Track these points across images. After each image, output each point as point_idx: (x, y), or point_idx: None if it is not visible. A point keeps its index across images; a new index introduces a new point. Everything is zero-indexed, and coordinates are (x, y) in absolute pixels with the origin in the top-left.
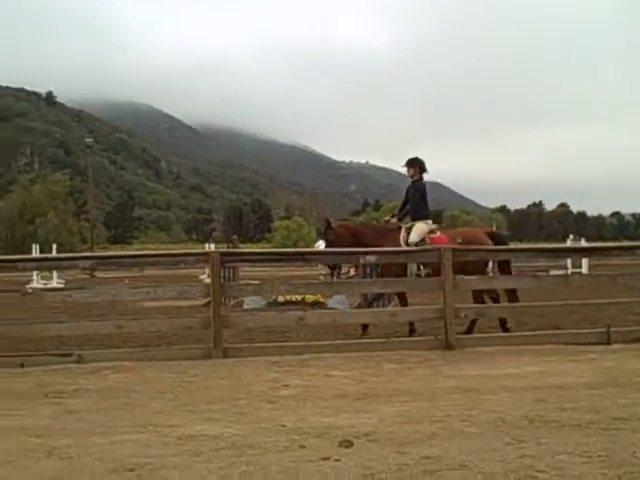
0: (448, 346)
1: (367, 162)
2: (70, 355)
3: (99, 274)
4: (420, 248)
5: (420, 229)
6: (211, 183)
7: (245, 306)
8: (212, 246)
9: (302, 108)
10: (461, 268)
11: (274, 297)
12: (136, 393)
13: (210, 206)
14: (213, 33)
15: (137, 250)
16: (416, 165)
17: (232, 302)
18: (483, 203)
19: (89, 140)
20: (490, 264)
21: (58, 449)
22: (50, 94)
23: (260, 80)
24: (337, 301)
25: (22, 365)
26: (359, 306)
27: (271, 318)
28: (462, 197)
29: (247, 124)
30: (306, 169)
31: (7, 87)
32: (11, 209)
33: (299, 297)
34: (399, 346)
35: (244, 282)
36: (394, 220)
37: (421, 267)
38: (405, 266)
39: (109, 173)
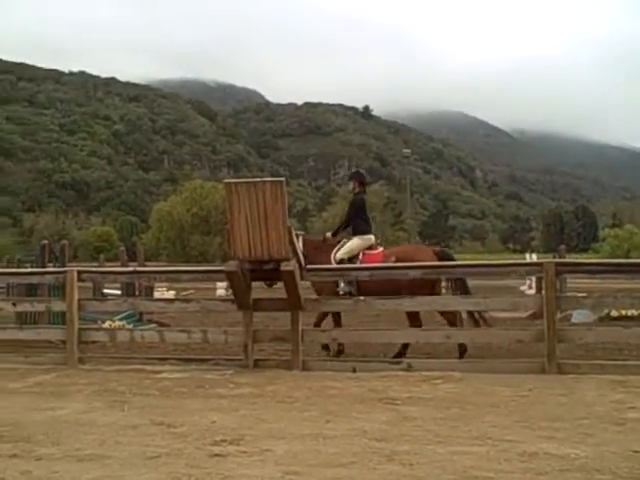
0: None
1: None
2: (400, 362)
3: None
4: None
5: (352, 245)
6: (529, 190)
7: (573, 320)
8: (534, 256)
9: (629, 107)
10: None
11: (606, 311)
12: (469, 404)
13: (528, 214)
14: (526, 36)
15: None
16: (355, 179)
17: (560, 315)
18: None
19: (406, 151)
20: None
21: (398, 454)
22: (366, 108)
23: (580, 80)
24: None
25: (354, 370)
26: None
27: (614, 334)
28: None
29: (567, 127)
30: (636, 172)
31: (327, 104)
32: (334, 219)
33: (635, 312)
34: None
35: (579, 294)
36: (328, 235)
37: (341, 284)
38: (336, 284)
39: (424, 183)
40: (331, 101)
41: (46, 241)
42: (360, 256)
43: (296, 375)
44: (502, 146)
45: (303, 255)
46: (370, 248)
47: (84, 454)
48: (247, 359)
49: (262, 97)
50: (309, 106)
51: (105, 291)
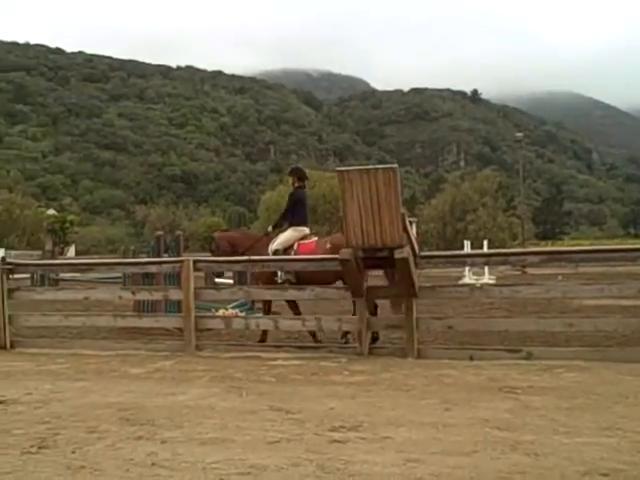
0: None
1: None
2: (519, 351)
3: (531, 270)
4: None
5: (286, 237)
6: None
7: None
8: None
9: None
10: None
11: None
12: (595, 394)
13: None
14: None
15: (569, 246)
16: (293, 174)
17: None
18: None
19: (519, 135)
20: None
21: (522, 444)
22: (475, 92)
23: None
24: None
25: (471, 358)
26: None
27: None
28: None
29: None
30: None
31: (434, 89)
32: (443, 206)
33: None
34: None
35: None
36: (269, 229)
37: (280, 273)
38: (274, 274)
39: (536, 167)
40: (438, 86)
41: (161, 232)
42: (295, 246)
43: (411, 363)
44: (621, 126)
45: (246, 249)
46: (304, 238)
47: (206, 438)
48: (361, 347)
49: (367, 85)
50: (416, 92)
51: (217, 280)
